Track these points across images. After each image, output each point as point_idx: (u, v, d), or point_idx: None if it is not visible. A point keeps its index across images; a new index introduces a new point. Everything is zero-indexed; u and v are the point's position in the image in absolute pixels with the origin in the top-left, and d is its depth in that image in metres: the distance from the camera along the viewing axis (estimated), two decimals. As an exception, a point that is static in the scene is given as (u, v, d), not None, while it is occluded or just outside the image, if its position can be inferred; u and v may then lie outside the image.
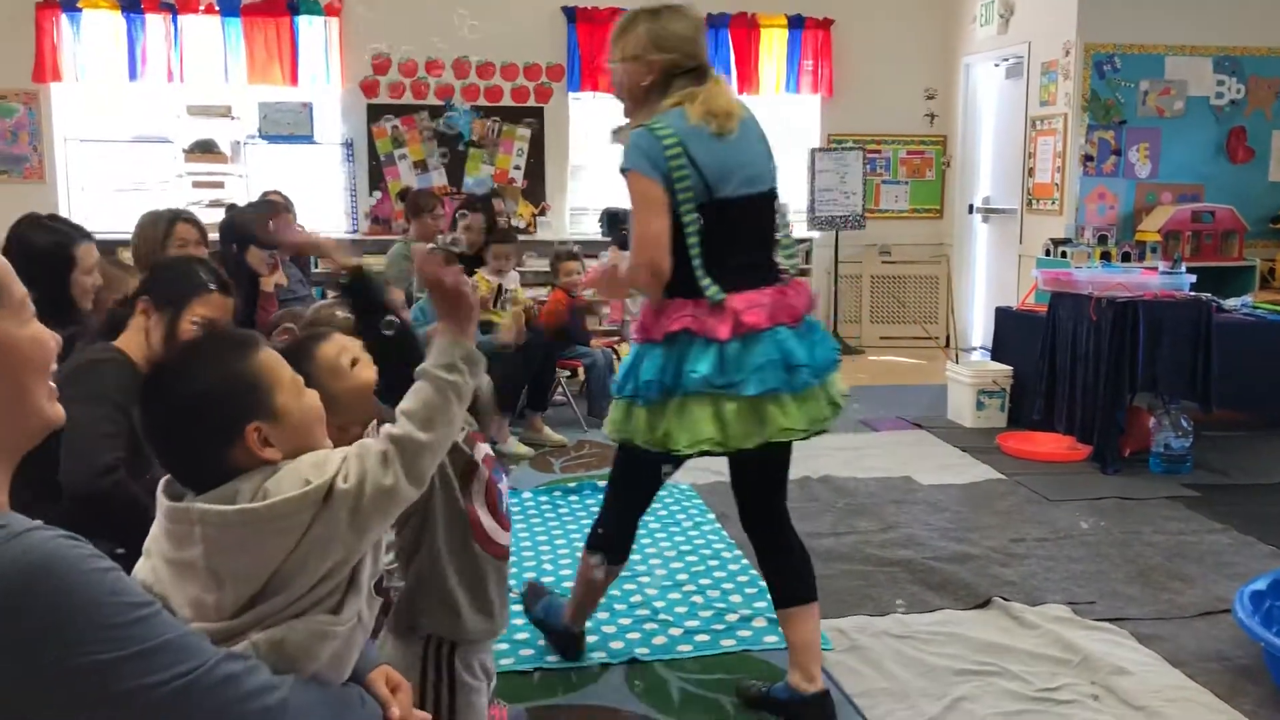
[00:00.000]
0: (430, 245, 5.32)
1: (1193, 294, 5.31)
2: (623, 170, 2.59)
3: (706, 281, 2.55)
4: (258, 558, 1.35)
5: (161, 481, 1.44)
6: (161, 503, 1.41)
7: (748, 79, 8.45)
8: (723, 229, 2.58)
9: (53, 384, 1.22)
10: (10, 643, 1.03)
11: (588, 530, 3.01)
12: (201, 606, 1.36)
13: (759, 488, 2.80)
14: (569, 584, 3.59)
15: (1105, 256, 6.78)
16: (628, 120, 2.76)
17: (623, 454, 2.79)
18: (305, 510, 1.36)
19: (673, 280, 2.53)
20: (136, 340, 2.44)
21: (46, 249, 2.90)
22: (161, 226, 3.74)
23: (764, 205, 2.71)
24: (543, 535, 4.12)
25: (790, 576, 2.79)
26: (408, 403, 1.54)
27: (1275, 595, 3.09)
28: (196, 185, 7.51)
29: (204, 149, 7.67)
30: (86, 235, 3.05)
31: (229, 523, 1.35)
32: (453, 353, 1.53)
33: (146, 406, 1.44)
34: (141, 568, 1.42)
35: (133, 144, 7.81)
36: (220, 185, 7.54)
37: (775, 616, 3.25)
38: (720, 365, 2.52)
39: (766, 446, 2.58)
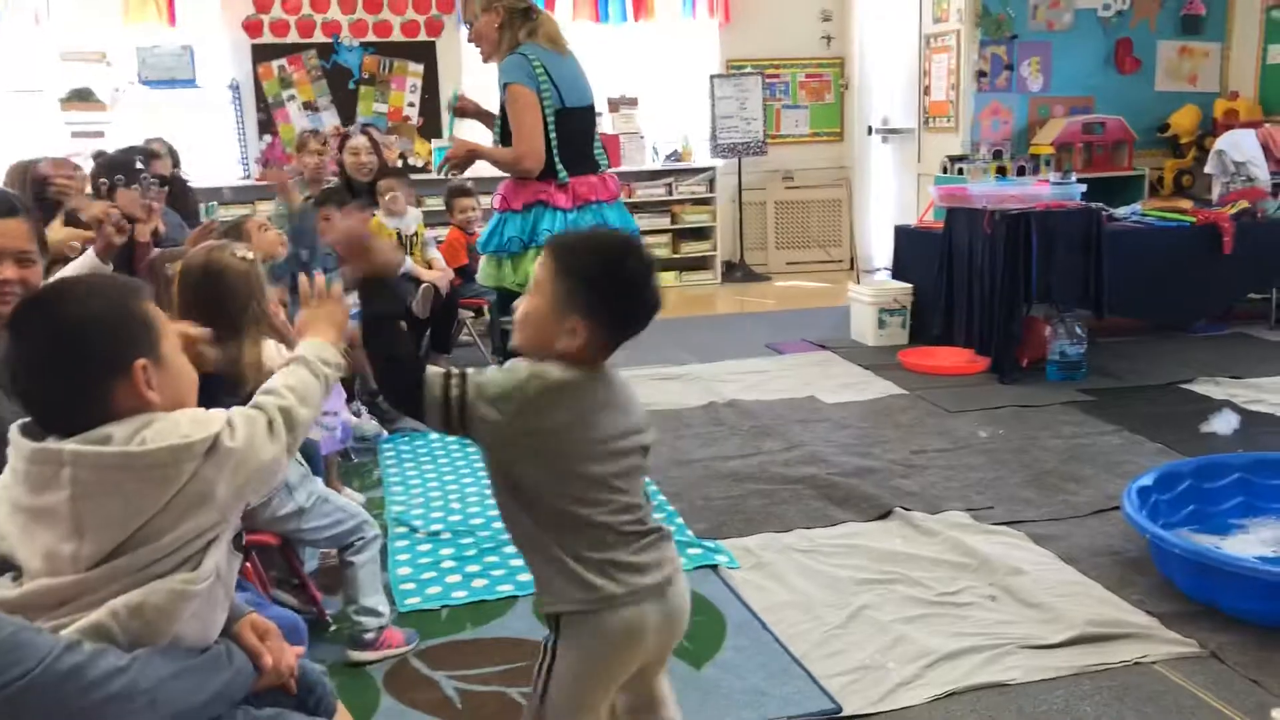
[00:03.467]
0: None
1: (1083, 203, 5.41)
2: (506, 84, 3.71)
3: (560, 167, 3.75)
4: (129, 505, 1.30)
5: (16, 424, 1.37)
6: (19, 444, 1.34)
7: (643, 5, 8.32)
8: (567, 130, 3.73)
9: None
10: None
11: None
12: (56, 558, 1.30)
13: None
14: (476, 521, 3.59)
15: (1001, 171, 6.87)
16: (461, 100, 4.14)
17: (499, 299, 4.05)
18: (187, 461, 1.32)
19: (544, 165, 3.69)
20: None
21: None
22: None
23: (590, 115, 3.96)
24: (450, 476, 4.08)
25: None
26: (286, 380, 1.53)
27: (1160, 490, 3.18)
28: (75, 136, 7.20)
29: (81, 97, 7.34)
30: None
31: (105, 464, 1.29)
32: (327, 351, 1.61)
33: (20, 337, 1.37)
34: None
35: (3, 95, 7.45)
36: (100, 135, 7.22)
37: (681, 539, 3.32)
38: (564, 227, 3.63)
39: None
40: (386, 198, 5.40)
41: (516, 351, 1.65)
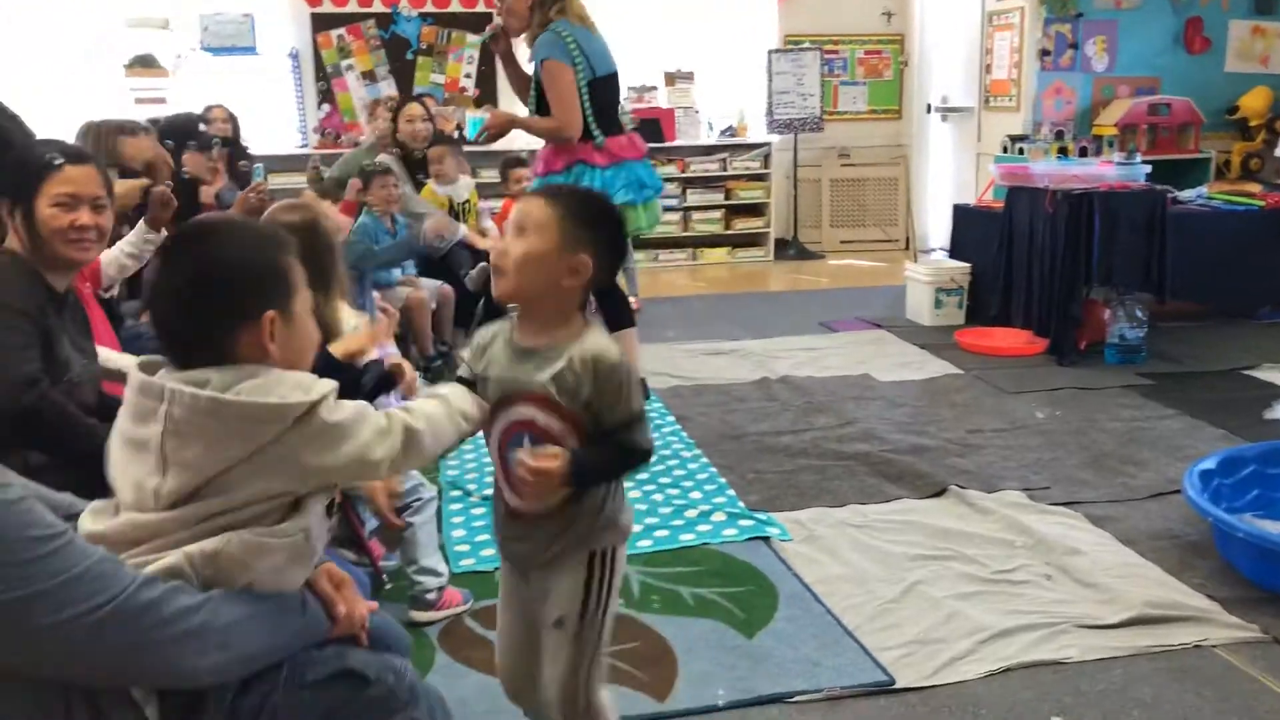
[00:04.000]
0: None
1: (1148, 185, 5.31)
2: (542, 60, 3.95)
3: (595, 129, 4.03)
4: (209, 452, 1.31)
5: (136, 360, 1.40)
6: (134, 376, 1.37)
7: (702, -21, 8.26)
8: (599, 97, 4.02)
9: None
10: None
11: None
12: (141, 490, 1.32)
13: None
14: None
15: (1062, 152, 6.75)
16: (500, 29, 4.16)
17: None
18: (273, 423, 1.33)
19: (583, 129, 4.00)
20: (16, 242, 2.24)
21: None
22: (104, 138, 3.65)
23: (616, 83, 4.17)
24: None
25: (617, 311, 3.98)
26: (428, 407, 1.54)
27: (1223, 474, 3.13)
28: (139, 102, 7.29)
29: (144, 63, 7.44)
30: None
31: (196, 406, 1.31)
32: (468, 404, 1.63)
33: (167, 265, 1.41)
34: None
35: (71, 59, 7.55)
36: (162, 101, 7.32)
37: (733, 511, 3.32)
38: (602, 185, 3.93)
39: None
40: (438, 165, 5.43)
41: (503, 299, 1.68)
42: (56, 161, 2.23)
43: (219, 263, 1.39)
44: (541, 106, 4.05)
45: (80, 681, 1.12)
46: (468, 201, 5.55)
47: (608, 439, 1.66)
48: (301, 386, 1.36)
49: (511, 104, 8.07)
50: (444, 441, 1.56)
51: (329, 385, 1.39)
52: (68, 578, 1.05)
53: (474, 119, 4.23)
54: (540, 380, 1.64)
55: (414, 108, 5.59)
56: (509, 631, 1.88)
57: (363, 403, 1.44)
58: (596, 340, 1.68)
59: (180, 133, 4.42)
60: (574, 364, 1.64)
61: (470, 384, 1.72)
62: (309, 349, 1.48)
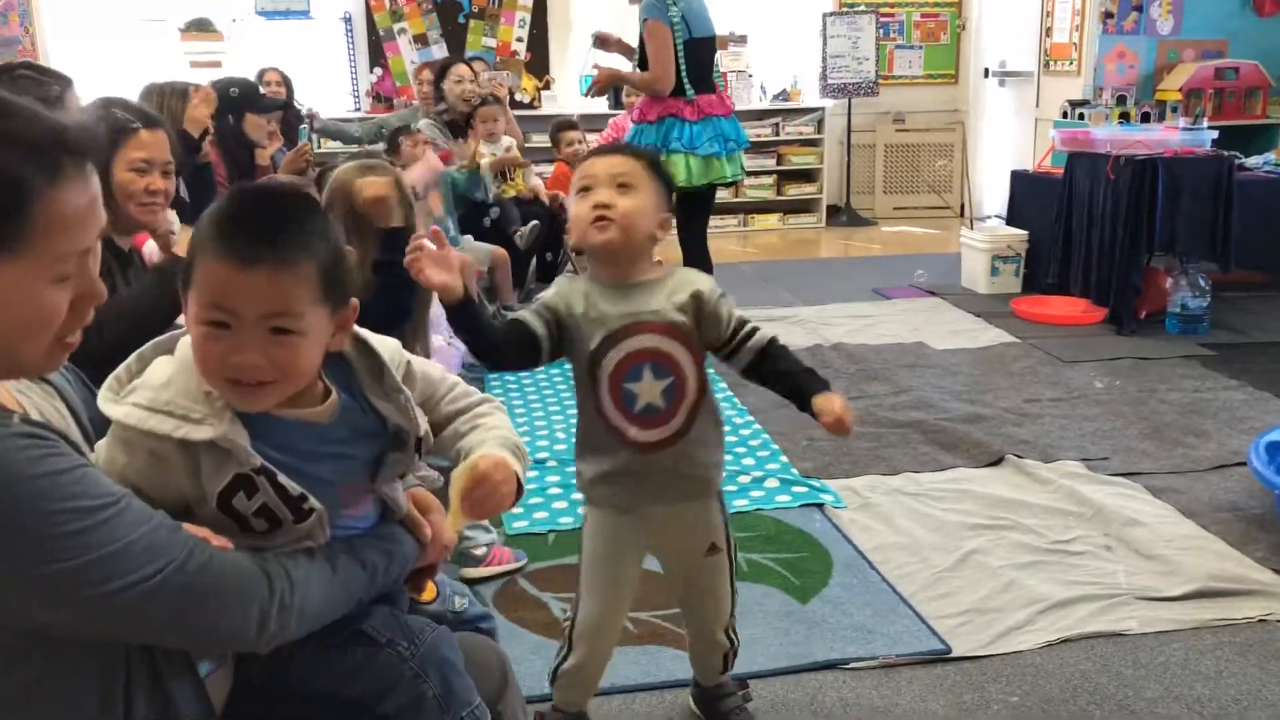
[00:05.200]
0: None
1: (1214, 151, 5.18)
2: (644, 19, 4.41)
3: (688, 86, 4.44)
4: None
5: None
6: None
7: (756, -59, 8.15)
8: (693, 57, 4.43)
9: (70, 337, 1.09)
10: None
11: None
12: None
13: (697, 213, 4.58)
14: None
15: (1124, 117, 6.59)
16: (603, 35, 4.85)
17: None
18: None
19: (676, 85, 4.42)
20: None
21: None
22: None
23: (712, 45, 4.60)
24: (555, 406, 4.12)
25: (702, 258, 4.56)
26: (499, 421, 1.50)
27: (1291, 446, 3.06)
28: (194, 65, 7.34)
29: (199, 27, 7.48)
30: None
31: None
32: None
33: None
34: None
35: (125, 23, 7.62)
36: (218, 65, 7.36)
37: (786, 478, 3.31)
38: (690, 136, 4.42)
39: (709, 185, 4.47)
40: (491, 124, 5.44)
41: (602, 249, 1.74)
42: (133, 125, 2.25)
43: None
44: (644, 62, 4.50)
45: (136, 642, 1.13)
46: (510, 153, 5.59)
47: (767, 354, 1.81)
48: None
49: (561, 66, 8.06)
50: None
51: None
52: (118, 548, 1.03)
53: (584, 76, 4.82)
54: (662, 308, 1.75)
55: (461, 68, 5.61)
56: (618, 581, 1.92)
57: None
58: (685, 273, 1.83)
59: (241, 97, 4.45)
60: (681, 294, 1.77)
61: (533, 335, 1.75)
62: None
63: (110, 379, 1.22)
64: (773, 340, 1.82)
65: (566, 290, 1.80)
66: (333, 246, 1.23)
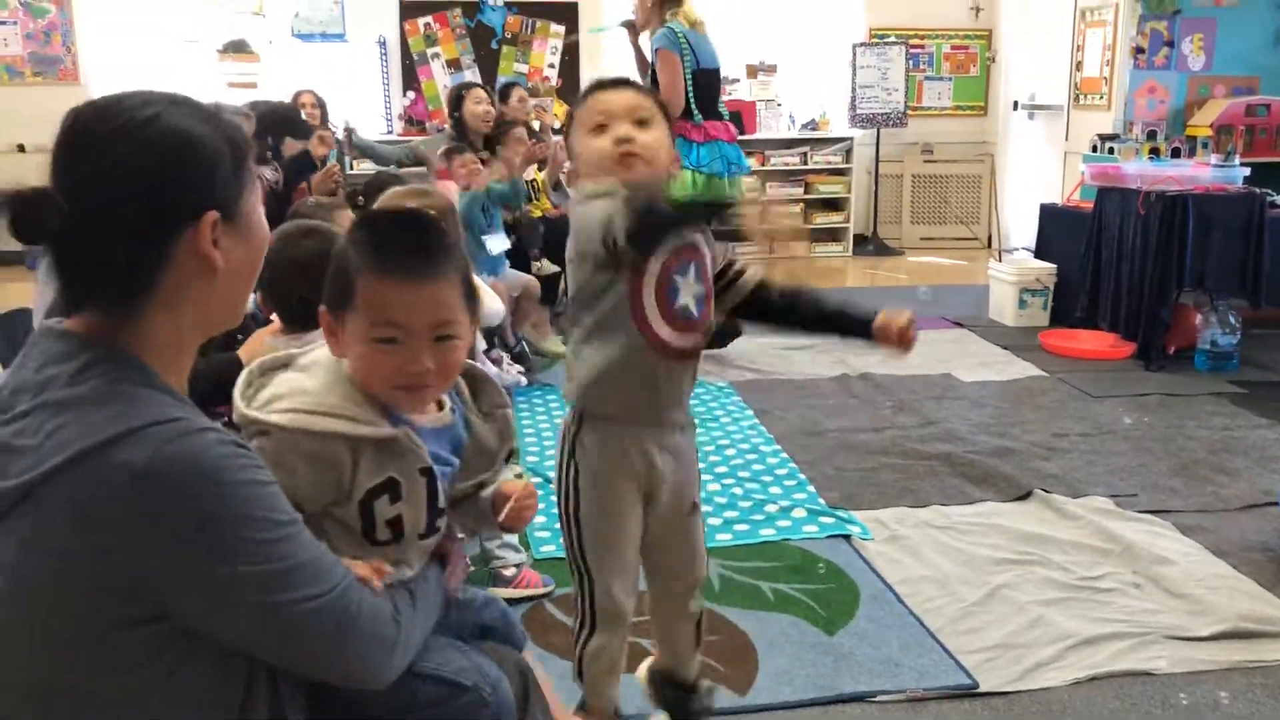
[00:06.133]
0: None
1: (1245, 188, 5.17)
2: (657, 49, 4.93)
3: (695, 110, 4.95)
4: None
5: None
6: None
7: (787, -29, 8.21)
8: (700, 85, 4.97)
9: None
10: (161, 534, 1.03)
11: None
12: None
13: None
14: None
15: (1154, 152, 6.59)
16: (634, 22, 5.25)
17: None
18: None
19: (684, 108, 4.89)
20: None
21: None
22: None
23: (717, 77, 5.15)
24: (582, 430, 4.13)
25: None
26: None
27: (1323, 487, 3.05)
28: (231, 86, 7.45)
29: (237, 49, 7.60)
30: None
31: None
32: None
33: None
34: None
35: (165, 44, 7.74)
36: (254, 86, 7.47)
37: (814, 508, 3.31)
38: (696, 156, 4.91)
39: (713, 202, 4.87)
40: (517, 145, 5.46)
41: (636, 186, 1.72)
42: None
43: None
44: (654, 85, 4.91)
45: (272, 661, 1.16)
46: (534, 180, 5.62)
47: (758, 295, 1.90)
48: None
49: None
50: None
51: None
52: (295, 564, 1.09)
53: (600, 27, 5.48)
54: None
55: (479, 91, 5.73)
56: (628, 531, 1.90)
57: None
58: None
59: (281, 121, 4.53)
60: None
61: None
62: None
63: (237, 397, 1.30)
64: (762, 282, 1.91)
65: (612, 208, 1.73)
66: (463, 259, 1.36)
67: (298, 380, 1.32)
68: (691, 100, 4.95)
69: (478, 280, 2.00)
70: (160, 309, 1.12)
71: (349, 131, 6.00)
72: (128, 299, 1.10)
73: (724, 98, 5.47)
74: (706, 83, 5.02)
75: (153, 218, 1.09)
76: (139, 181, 1.07)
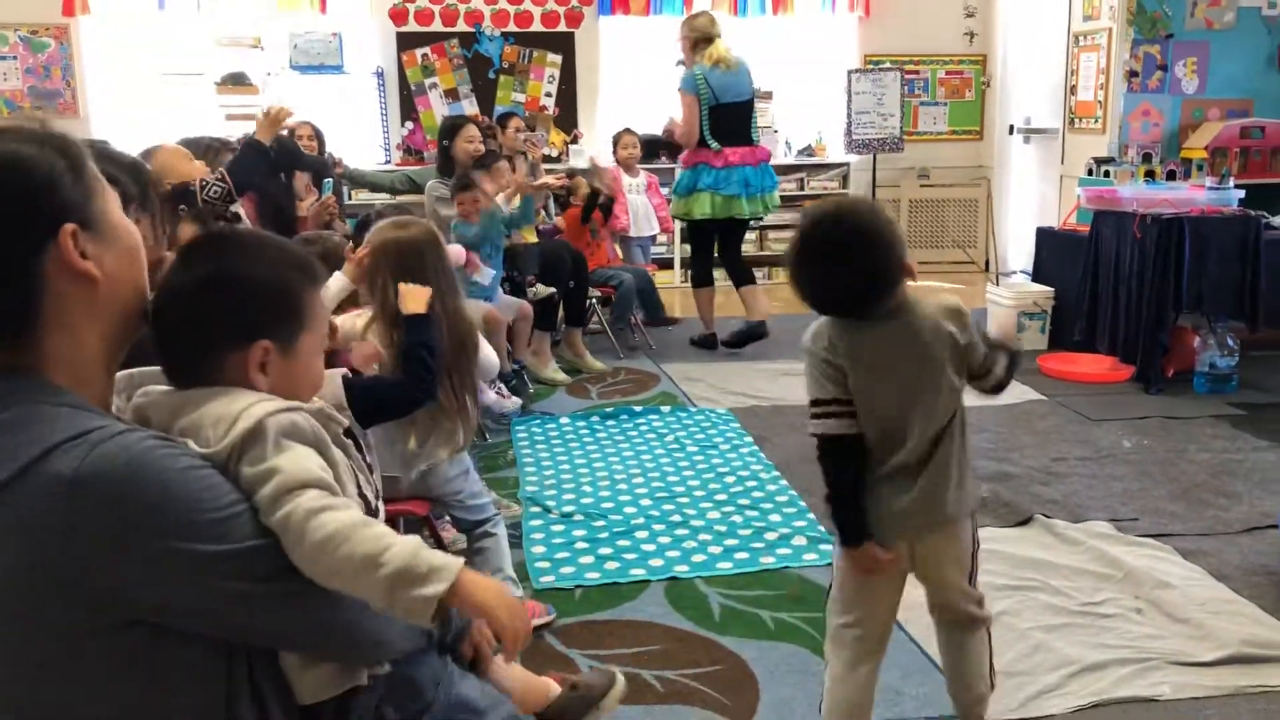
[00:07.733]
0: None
1: (1241, 210, 5.19)
2: (679, 89, 5.75)
3: (712, 140, 5.67)
4: None
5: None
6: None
7: (782, 0, 8.26)
8: (721, 117, 5.69)
9: None
10: (114, 528, 1.04)
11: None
12: None
13: (729, 242, 6.02)
14: (607, 505, 3.63)
15: (1149, 175, 6.61)
16: (684, 62, 5.86)
17: (687, 229, 6.28)
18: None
19: (699, 139, 5.70)
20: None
21: None
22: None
23: (747, 107, 5.83)
24: (581, 459, 4.13)
25: (739, 272, 6.04)
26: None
27: (1324, 509, 3.04)
28: (230, 118, 7.48)
29: (235, 81, 7.63)
30: None
31: None
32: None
33: (181, 269, 1.26)
34: None
35: (164, 77, 7.78)
36: (252, 117, 7.48)
37: (814, 535, 3.30)
38: (715, 179, 5.67)
39: (731, 220, 5.78)
40: (494, 180, 5.45)
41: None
42: None
43: (223, 275, 1.25)
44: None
45: (257, 642, 1.17)
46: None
47: None
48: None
49: (589, 123, 8.18)
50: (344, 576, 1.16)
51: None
52: (257, 544, 1.11)
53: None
54: None
55: (472, 130, 5.76)
56: (876, 633, 2.19)
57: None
58: None
59: (282, 154, 4.55)
60: None
61: None
62: (305, 391, 1.32)
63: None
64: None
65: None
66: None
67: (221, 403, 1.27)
68: (706, 131, 5.66)
69: (480, 339, 2.13)
70: (55, 330, 1.12)
71: (336, 164, 6.03)
72: (16, 332, 1.11)
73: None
74: (725, 115, 5.68)
75: (9, 248, 1.09)
76: None
